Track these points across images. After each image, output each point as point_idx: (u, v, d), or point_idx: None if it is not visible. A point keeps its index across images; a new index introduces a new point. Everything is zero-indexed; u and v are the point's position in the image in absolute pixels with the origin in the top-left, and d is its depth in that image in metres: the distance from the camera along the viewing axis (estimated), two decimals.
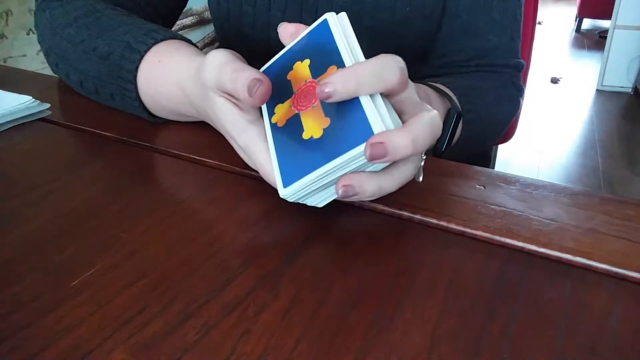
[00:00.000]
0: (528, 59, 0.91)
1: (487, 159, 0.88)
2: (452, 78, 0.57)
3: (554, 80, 3.26)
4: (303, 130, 0.33)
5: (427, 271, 0.31)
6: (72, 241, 0.33)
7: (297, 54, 0.37)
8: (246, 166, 0.40)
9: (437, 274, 0.31)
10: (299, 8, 0.60)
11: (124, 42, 0.47)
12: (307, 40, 0.37)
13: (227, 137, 0.40)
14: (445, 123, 0.48)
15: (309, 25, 0.37)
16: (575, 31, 4.51)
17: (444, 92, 0.51)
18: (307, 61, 0.36)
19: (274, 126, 0.35)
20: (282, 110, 0.36)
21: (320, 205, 0.35)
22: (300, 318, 0.27)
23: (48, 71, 0.60)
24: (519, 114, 0.96)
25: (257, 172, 0.40)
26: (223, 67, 0.35)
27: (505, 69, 0.62)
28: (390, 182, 0.33)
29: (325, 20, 0.36)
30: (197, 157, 0.43)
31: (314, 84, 0.34)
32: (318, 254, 0.32)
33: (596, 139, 2.47)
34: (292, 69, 0.37)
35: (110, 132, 0.48)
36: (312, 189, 0.33)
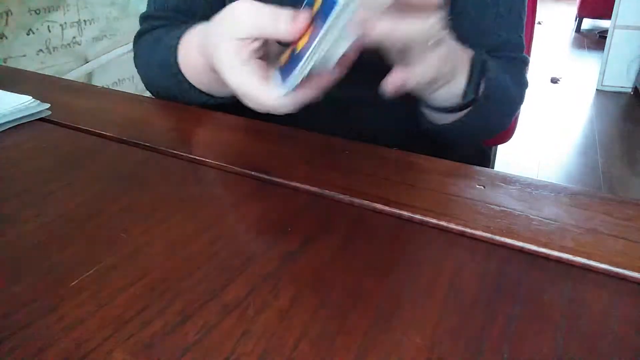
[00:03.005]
0: None
1: (487, 159, 0.88)
2: None
3: (554, 80, 3.26)
4: (296, 49, 0.37)
5: (427, 271, 0.31)
6: (72, 241, 0.33)
7: None
8: (246, 166, 0.40)
9: (437, 274, 0.31)
10: None
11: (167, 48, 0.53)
12: None
13: (223, 70, 0.41)
14: (473, 69, 0.49)
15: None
16: (575, 31, 4.51)
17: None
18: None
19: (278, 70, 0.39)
20: (285, 55, 0.39)
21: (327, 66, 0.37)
22: (300, 318, 0.27)
23: (48, 71, 0.60)
24: (519, 114, 0.96)
25: (257, 172, 0.40)
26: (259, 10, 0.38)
27: (514, 60, 0.62)
28: (404, 25, 0.35)
29: None
30: (197, 157, 0.43)
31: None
32: (318, 254, 0.32)
33: (596, 139, 2.47)
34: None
35: (110, 132, 0.48)
36: (306, 71, 0.36)
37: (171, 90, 0.55)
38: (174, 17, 0.61)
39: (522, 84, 0.64)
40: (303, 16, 0.37)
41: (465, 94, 0.49)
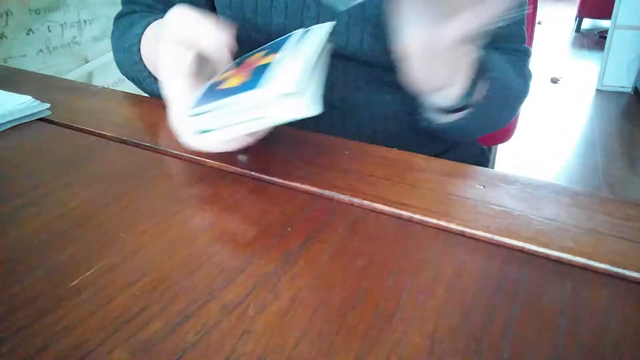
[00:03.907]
0: None
1: (487, 159, 0.88)
2: None
3: (554, 80, 3.26)
4: (225, 83, 0.36)
5: (427, 271, 0.31)
6: (72, 241, 0.33)
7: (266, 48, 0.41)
8: (246, 166, 0.40)
9: (437, 274, 0.31)
10: None
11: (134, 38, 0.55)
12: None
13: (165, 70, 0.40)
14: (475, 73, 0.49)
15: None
16: (575, 31, 4.50)
17: None
18: (264, 52, 0.39)
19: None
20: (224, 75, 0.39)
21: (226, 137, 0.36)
22: (300, 318, 0.27)
23: (48, 71, 0.60)
24: (519, 113, 0.96)
25: (257, 172, 0.40)
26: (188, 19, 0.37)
27: (516, 52, 0.62)
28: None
29: (312, 28, 0.40)
30: (197, 157, 0.43)
31: (254, 63, 0.38)
32: (318, 254, 0.32)
33: (596, 139, 2.47)
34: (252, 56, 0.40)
35: (110, 132, 0.48)
36: (217, 116, 0.35)
37: (135, 76, 0.57)
38: (154, 5, 0.63)
39: (526, 76, 0.64)
40: (226, 35, 0.36)
41: (462, 97, 0.49)
